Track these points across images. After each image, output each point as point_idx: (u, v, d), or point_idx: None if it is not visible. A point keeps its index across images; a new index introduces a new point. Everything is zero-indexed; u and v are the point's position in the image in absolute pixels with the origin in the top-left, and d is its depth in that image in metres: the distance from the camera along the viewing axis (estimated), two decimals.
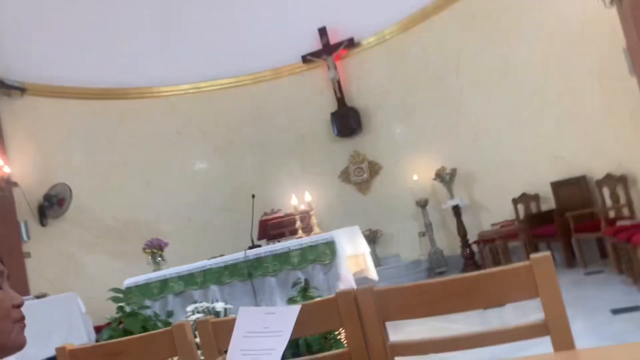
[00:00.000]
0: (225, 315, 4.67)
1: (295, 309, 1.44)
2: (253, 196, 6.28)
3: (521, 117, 7.95)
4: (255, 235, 5.84)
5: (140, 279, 5.64)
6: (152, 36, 9.51)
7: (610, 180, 6.41)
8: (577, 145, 7.18)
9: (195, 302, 4.96)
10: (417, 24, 9.03)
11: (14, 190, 7.40)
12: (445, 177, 8.58)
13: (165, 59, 9.63)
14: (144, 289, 5.59)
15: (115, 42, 9.18)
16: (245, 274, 5.25)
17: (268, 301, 5.07)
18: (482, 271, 1.45)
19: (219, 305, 4.73)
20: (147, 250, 5.72)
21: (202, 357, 1.87)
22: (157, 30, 9.54)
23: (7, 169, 7.25)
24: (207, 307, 4.72)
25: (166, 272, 5.66)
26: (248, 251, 5.28)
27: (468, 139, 8.65)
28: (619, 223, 5.69)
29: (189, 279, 5.50)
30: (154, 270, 5.71)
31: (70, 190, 7.91)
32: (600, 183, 6.62)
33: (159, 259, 5.73)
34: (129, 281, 5.68)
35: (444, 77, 8.87)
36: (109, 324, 6.11)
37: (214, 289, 5.35)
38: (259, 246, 5.52)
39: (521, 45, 7.78)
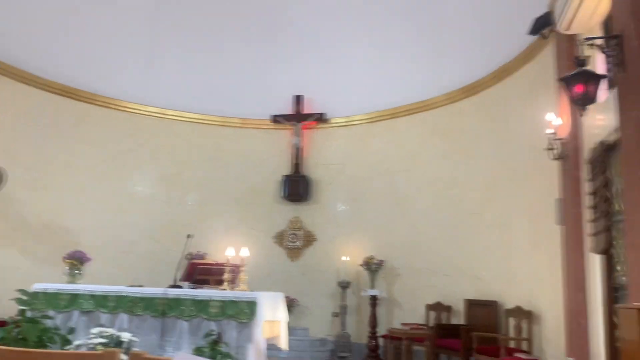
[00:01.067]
0: (129, 347, 4.60)
1: None
2: (189, 236, 6.33)
3: (455, 232, 8.47)
4: (179, 274, 5.83)
5: (51, 286, 5.47)
6: (137, 52, 9.63)
7: (518, 312, 6.87)
8: (497, 272, 7.69)
9: (101, 325, 4.86)
10: (384, 120, 9.62)
11: None
12: (372, 267, 8.89)
13: (142, 78, 9.72)
14: (51, 298, 5.41)
15: (99, 47, 9.23)
16: (159, 311, 5.20)
17: (175, 344, 5.02)
18: None
19: (125, 336, 4.66)
20: (67, 260, 5.57)
21: None
22: (143, 48, 9.68)
23: None
24: (113, 335, 4.64)
25: (79, 287, 5.52)
26: (169, 289, 5.26)
27: (402, 238, 9.07)
28: (516, 355, 6.09)
29: (100, 300, 5.39)
30: (68, 282, 5.55)
31: (5, 175, 7.63)
32: (508, 312, 7.08)
33: (77, 272, 5.59)
34: (38, 286, 5.48)
35: (395, 174, 9.38)
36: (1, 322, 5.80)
37: (123, 317, 5.26)
38: (180, 287, 5.52)
39: (469, 165, 8.42)
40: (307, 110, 10.06)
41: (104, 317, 5.31)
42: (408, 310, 8.81)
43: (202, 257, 9.11)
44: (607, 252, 4.91)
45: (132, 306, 5.29)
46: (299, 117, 10.00)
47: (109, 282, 6.40)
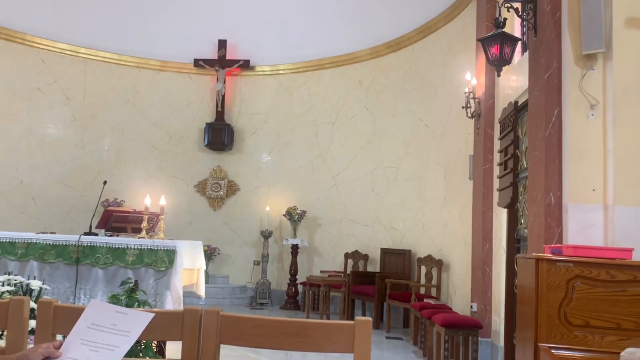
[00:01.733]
0: (40, 295, 4.45)
1: (149, 315, 1.58)
2: (105, 182, 6.11)
3: (374, 184, 8.73)
4: (95, 222, 5.64)
5: None
6: None
7: (429, 261, 7.29)
8: (411, 223, 8.06)
9: (9, 273, 4.64)
10: (310, 70, 9.56)
11: None
12: (294, 217, 9.03)
13: (52, 11, 8.99)
14: None
15: None
16: (72, 258, 5.03)
17: (89, 291, 4.91)
18: (313, 320, 1.72)
19: (35, 284, 4.49)
20: None
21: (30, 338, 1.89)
22: None
23: None
24: (21, 283, 4.46)
25: None
26: (83, 237, 5.08)
27: (324, 188, 9.23)
28: (426, 300, 6.49)
29: (7, 247, 5.11)
30: None
31: None
32: (420, 261, 7.49)
33: None
34: None
35: (320, 126, 9.44)
36: None
37: (33, 264, 5.04)
38: (96, 234, 5.35)
39: (391, 121, 8.62)
40: (231, 56, 9.77)
41: (12, 264, 5.06)
42: (328, 259, 9.09)
43: (119, 204, 8.87)
44: (513, 206, 5.27)
45: (44, 253, 5.07)
46: (223, 62, 9.70)
47: (17, 229, 6.08)
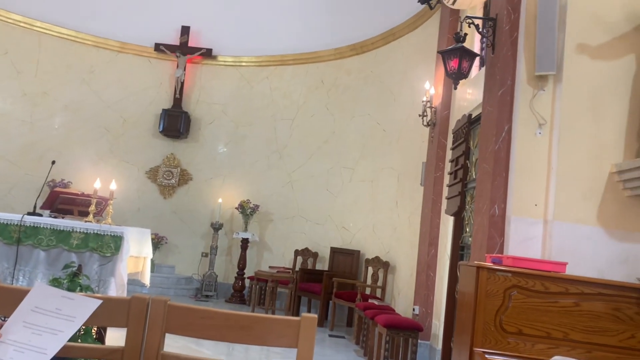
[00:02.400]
0: None
1: (96, 302, 1.57)
2: (53, 162, 5.94)
3: (329, 183, 8.82)
4: (39, 202, 5.46)
5: None
6: None
7: (377, 262, 7.43)
8: (362, 224, 8.19)
9: None
10: (272, 65, 9.55)
11: None
12: (247, 210, 9.00)
13: None
14: None
15: None
16: (13, 238, 4.86)
17: (29, 273, 4.76)
18: (260, 314, 1.75)
19: None
20: None
21: None
22: None
23: None
24: None
25: None
26: (27, 216, 4.92)
27: (279, 184, 9.25)
28: (371, 301, 6.62)
29: None
30: None
31: None
32: (368, 262, 7.63)
33: None
34: None
35: (279, 122, 9.45)
36: None
37: None
38: (40, 215, 5.19)
39: (350, 123, 8.73)
40: (194, 43, 9.63)
41: None
42: (277, 255, 9.11)
43: (65, 185, 8.61)
44: (459, 215, 5.45)
45: None
46: (185, 49, 9.55)
47: None
